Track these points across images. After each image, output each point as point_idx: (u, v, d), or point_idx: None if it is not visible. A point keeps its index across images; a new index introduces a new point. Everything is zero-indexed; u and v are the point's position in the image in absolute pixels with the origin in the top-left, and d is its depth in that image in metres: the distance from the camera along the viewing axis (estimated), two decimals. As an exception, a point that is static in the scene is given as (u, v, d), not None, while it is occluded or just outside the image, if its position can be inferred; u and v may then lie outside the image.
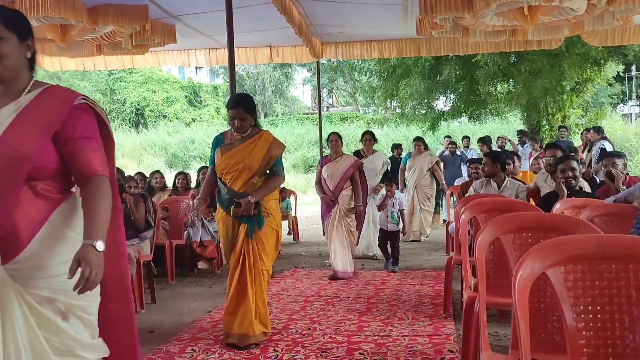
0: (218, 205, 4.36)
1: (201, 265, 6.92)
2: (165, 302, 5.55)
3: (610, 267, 1.73)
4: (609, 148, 8.94)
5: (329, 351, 3.92)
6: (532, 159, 8.51)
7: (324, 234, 7.43)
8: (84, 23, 6.32)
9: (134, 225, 5.41)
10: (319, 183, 6.65)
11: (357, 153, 7.78)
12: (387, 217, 6.58)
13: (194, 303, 5.45)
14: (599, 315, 1.72)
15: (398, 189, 8.29)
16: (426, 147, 9.87)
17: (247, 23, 7.58)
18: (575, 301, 1.72)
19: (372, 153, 7.66)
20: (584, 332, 1.71)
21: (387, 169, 7.81)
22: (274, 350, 3.97)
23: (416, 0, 6.68)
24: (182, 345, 4.15)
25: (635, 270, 1.72)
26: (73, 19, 6.07)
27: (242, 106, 4.14)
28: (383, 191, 7.07)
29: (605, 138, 9.90)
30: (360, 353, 3.86)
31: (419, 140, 9.51)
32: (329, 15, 8.08)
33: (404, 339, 4.15)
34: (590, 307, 1.72)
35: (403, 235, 6.52)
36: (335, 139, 6.73)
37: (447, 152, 11.37)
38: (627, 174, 5.17)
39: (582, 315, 1.72)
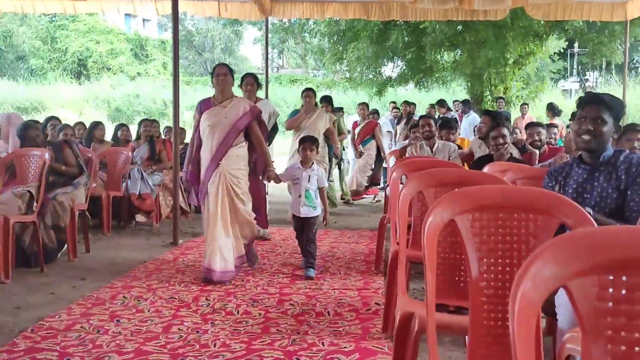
0: None
1: (139, 218, 6.89)
2: (100, 252, 5.53)
3: (512, 217, 1.86)
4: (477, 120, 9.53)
5: (260, 301, 4.02)
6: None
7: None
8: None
9: (66, 173, 5.32)
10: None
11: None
12: (299, 196, 4.80)
13: (129, 254, 5.45)
14: (499, 260, 1.86)
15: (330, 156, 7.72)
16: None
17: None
18: (479, 246, 1.85)
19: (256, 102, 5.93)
20: (485, 275, 1.85)
21: (274, 121, 6.37)
22: (206, 299, 4.05)
23: (366, -38, 6.70)
24: (114, 292, 4.17)
25: (534, 219, 1.86)
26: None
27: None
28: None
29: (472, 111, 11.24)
30: (290, 304, 3.98)
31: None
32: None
33: (334, 292, 4.29)
34: (492, 253, 1.86)
35: (324, 224, 5.05)
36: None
37: (391, 118, 11.54)
38: (549, 143, 5.54)
39: (485, 260, 1.85)
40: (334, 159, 8.19)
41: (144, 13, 9.76)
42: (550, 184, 2.74)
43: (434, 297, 1.82)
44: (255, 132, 4.78)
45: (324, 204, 4.93)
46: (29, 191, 4.78)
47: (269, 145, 5.74)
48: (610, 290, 1.07)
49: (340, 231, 6.73)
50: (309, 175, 4.80)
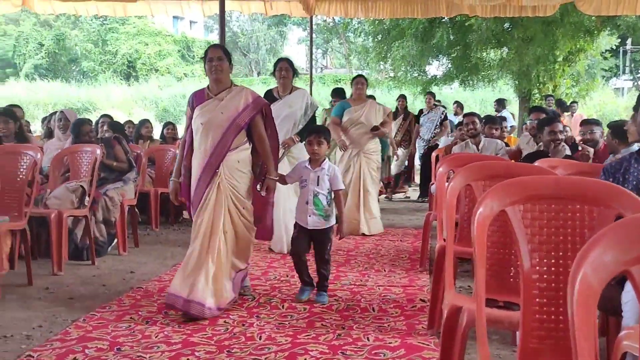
0: None
1: (186, 214, 7.00)
2: (149, 247, 5.65)
3: (566, 207, 1.81)
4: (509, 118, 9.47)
5: (305, 296, 4.03)
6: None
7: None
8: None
9: (116, 169, 5.45)
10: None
11: (269, 93, 5.35)
12: (306, 203, 3.90)
13: (177, 248, 5.55)
14: (552, 253, 1.81)
15: (335, 149, 6.63)
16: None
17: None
18: (531, 238, 1.80)
19: (291, 92, 5.28)
20: (537, 267, 1.80)
21: (311, 114, 5.35)
22: (252, 293, 4.08)
23: (412, -41, 6.65)
24: (162, 285, 4.25)
25: (589, 211, 1.80)
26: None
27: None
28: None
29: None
30: (334, 299, 3.97)
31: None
32: (324, -29, 8.01)
33: (379, 288, 4.27)
34: (544, 245, 1.81)
35: (338, 238, 4.11)
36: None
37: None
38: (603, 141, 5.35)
39: (537, 252, 1.81)
40: (391, 157, 7.71)
41: (191, 15, 9.93)
42: (603, 178, 2.65)
43: (484, 287, 1.79)
44: (259, 129, 3.80)
45: (340, 211, 4.02)
46: (81, 186, 4.91)
47: (300, 141, 5.01)
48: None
49: (385, 228, 6.69)
50: (318, 176, 3.90)
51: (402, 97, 9.87)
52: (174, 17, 29.64)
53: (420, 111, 9.81)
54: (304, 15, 9.86)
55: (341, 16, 11.42)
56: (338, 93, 8.16)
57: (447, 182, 4.01)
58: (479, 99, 19.89)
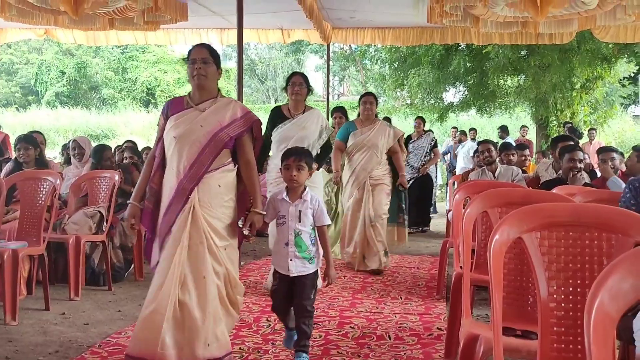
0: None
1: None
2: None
3: (584, 235, 1.79)
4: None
5: (320, 323, 3.99)
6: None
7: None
8: (97, -4, 6.39)
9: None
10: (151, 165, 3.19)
11: (278, 111, 4.83)
12: (285, 244, 3.15)
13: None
14: (570, 280, 1.79)
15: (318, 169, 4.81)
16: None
17: (259, 4, 7.63)
18: (549, 265, 1.78)
19: (304, 111, 4.75)
20: (554, 296, 1.78)
21: (326, 138, 4.76)
22: (267, 320, 4.06)
23: (428, -12, 6.71)
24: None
25: (607, 238, 1.78)
26: (86, -9, 6.14)
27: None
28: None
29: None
30: (350, 327, 3.94)
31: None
32: (340, 0, 8.11)
33: (395, 316, 4.23)
34: (562, 273, 1.79)
35: (325, 284, 3.65)
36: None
37: (452, 143, 11.50)
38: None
39: (555, 280, 1.79)
40: (400, 189, 6.07)
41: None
42: (629, 195, 2.59)
43: (501, 315, 1.76)
44: (246, 150, 3.14)
45: (326, 250, 3.21)
46: (99, 211, 4.96)
47: (318, 169, 4.35)
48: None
49: (401, 256, 6.64)
50: (300, 211, 3.13)
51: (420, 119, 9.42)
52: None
53: (409, 137, 8.85)
54: (321, 43, 9.97)
55: (358, 44, 11.54)
56: (340, 110, 7.19)
57: (463, 209, 4.00)
58: (496, 125, 19.81)
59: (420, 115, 11.18)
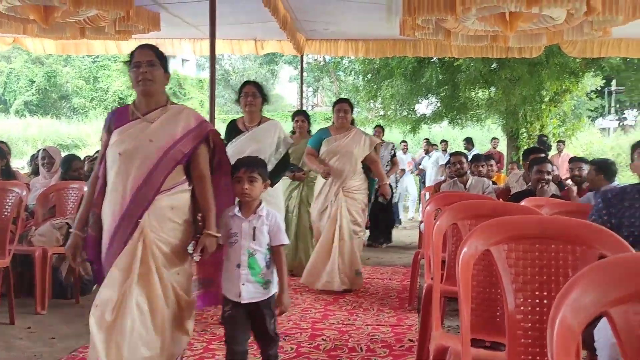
0: None
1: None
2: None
3: (549, 247, 1.82)
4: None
5: (292, 335, 3.98)
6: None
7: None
8: (67, 5, 6.31)
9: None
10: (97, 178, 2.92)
11: (232, 125, 4.55)
12: (237, 267, 2.79)
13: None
14: (537, 292, 1.81)
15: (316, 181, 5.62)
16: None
17: (232, 15, 7.63)
18: (515, 278, 1.81)
19: (259, 123, 4.39)
20: (521, 308, 1.80)
21: (284, 152, 4.38)
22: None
23: (400, 1, 6.78)
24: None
25: (572, 250, 1.81)
26: (56, 0, 6.07)
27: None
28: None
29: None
30: (322, 339, 3.93)
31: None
32: (314, 12, 8.15)
33: (367, 327, 4.23)
34: (529, 285, 1.81)
35: (277, 312, 2.88)
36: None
37: (423, 155, 11.69)
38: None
39: (521, 292, 1.81)
40: (379, 199, 6.04)
41: (183, 54, 10.00)
42: (601, 205, 2.58)
43: (469, 327, 1.78)
44: (200, 164, 2.83)
45: (281, 274, 2.82)
46: (67, 223, 4.88)
47: (271, 185, 3.50)
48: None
49: (373, 267, 6.66)
50: (254, 228, 2.78)
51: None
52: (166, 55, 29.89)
53: None
54: (294, 54, 10.00)
55: (331, 55, 11.60)
56: (302, 114, 6.73)
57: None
58: (466, 136, 20.15)
59: (379, 124, 11.25)
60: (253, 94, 4.32)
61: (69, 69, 29.57)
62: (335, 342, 3.86)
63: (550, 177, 4.73)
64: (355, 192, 5.45)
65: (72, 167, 5.36)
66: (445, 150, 12.20)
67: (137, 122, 2.78)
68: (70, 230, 4.50)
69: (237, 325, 2.78)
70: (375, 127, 9.67)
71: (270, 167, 3.74)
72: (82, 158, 6.30)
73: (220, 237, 2.80)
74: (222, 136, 3.26)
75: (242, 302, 2.74)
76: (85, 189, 4.96)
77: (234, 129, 4.44)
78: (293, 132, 6.31)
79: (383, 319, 4.49)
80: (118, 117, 2.84)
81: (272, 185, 3.62)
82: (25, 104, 29.11)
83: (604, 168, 4.46)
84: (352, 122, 5.67)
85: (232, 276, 2.77)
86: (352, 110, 5.60)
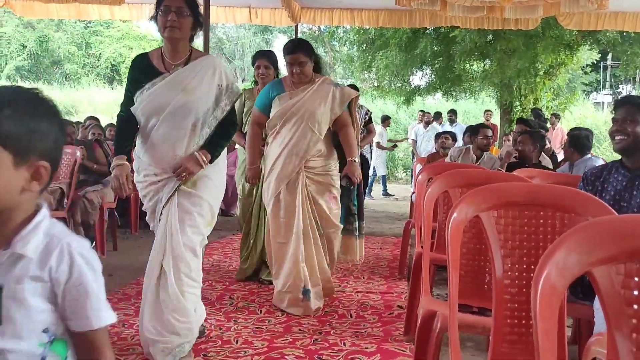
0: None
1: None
2: (128, 250, 5.61)
3: (538, 214, 1.85)
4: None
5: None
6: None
7: None
8: (59, -34, 6.22)
9: (96, 171, 5.43)
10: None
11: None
12: None
13: (155, 253, 5.52)
14: (524, 258, 1.84)
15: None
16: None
17: (226, -20, 7.53)
18: (504, 244, 1.83)
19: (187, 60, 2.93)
20: (509, 273, 1.84)
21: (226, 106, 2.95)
22: (230, 298, 4.08)
23: (396, -30, 6.71)
24: (140, 289, 4.21)
25: (560, 217, 1.84)
26: (47, -38, 5.97)
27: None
28: None
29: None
30: (313, 305, 3.98)
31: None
32: (309, -21, 8.06)
33: (357, 294, 4.28)
34: (517, 250, 1.84)
35: None
36: None
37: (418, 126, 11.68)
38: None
39: (509, 258, 1.84)
40: (342, 181, 3.93)
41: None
42: (581, 185, 2.68)
43: (457, 292, 1.81)
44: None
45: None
46: (60, 187, 4.88)
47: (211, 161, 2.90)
48: (636, 278, 1.07)
49: (365, 237, 6.69)
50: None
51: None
52: (160, 21, 29.51)
53: None
54: (289, 24, 9.89)
55: (326, 25, 11.49)
56: (266, 55, 4.64)
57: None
58: (461, 110, 20.02)
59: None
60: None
61: (60, 34, 29.18)
62: (325, 308, 3.91)
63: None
64: (322, 174, 3.81)
65: (64, 132, 5.34)
66: (448, 122, 12.29)
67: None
68: (64, 194, 4.51)
69: None
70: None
71: (206, 132, 2.87)
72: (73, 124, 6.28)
73: None
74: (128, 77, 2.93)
75: None
76: (78, 153, 4.98)
77: (147, 70, 2.92)
78: (255, 83, 4.62)
79: (373, 286, 4.54)
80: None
81: (211, 161, 2.88)
82: (16, 69, 28.78)
83: (575, 142, 4.54)
84: (319, 71, 3.94)
85: None
86: (312, 60, 3.81)
